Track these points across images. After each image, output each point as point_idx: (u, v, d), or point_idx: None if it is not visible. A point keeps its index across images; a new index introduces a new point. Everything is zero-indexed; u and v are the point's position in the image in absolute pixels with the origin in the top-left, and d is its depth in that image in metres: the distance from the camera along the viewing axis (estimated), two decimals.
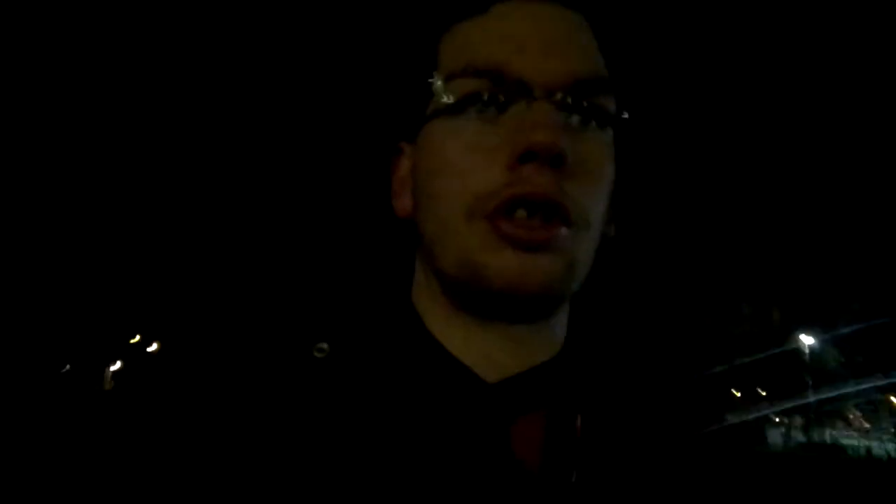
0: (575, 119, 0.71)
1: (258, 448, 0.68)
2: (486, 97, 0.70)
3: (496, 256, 0.68)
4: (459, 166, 0.70)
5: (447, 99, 0.72)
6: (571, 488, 0.69)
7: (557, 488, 0.68)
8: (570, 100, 0.70)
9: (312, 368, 0.75)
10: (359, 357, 0.75)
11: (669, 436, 0.79)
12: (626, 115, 0.75)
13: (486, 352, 0.73)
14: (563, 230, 0.68)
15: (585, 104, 0.71)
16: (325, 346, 0.76)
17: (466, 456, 0.68)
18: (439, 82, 0.73)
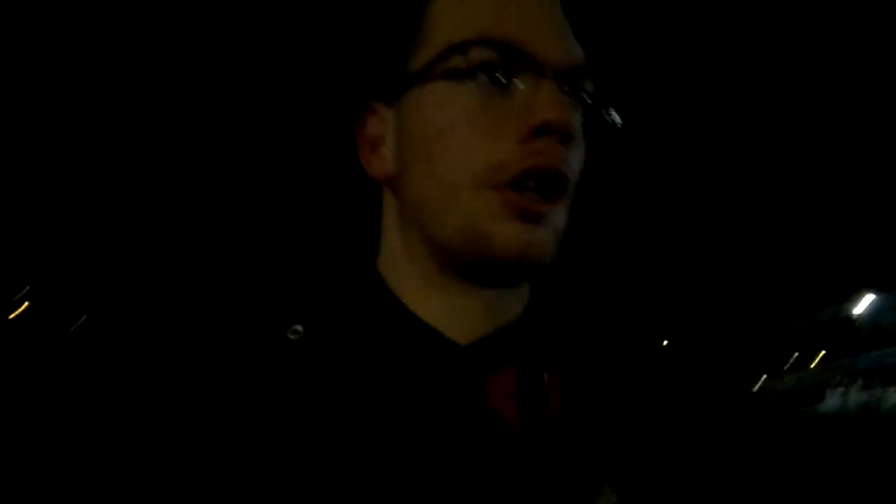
0: (570, 99, 0.74)
1: (240, 435, 0.71)
2: (494, 71, 0.72)
3: (503, 227, 0.71)
4: (465, 137, 0.72)
5: (454, 66, 0.73)
6: (548, 436, 0.72)
7: (534, 437, 0.71)
8: (571, 81, 0.74)
9: (289, 351, 0.77)
10: (333, 335, 0.77)
11: (644, 385, 0.81)
12: (598, 100, 0.78)
13: (461, 315, 0.76)
14: (559, 204, 0.73)
15: (577, 88, 0.75)
16: (299, 328, 0.79)
17: (446, 416, 0.71)
18: (446, 49, 0.73)
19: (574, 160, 0.74)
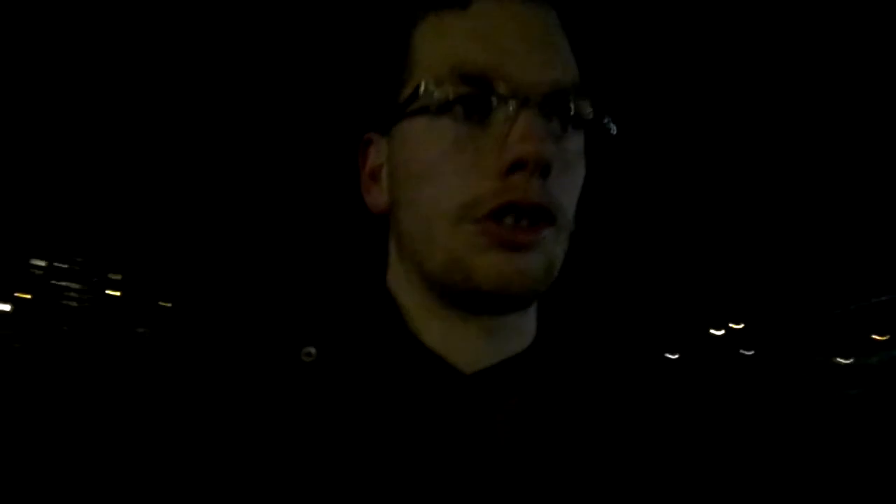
0: (556, 124, 0.73)
1: (253, 453, 0.72)
2: (469, 104, 0.71)
3: (484, 258, 0.70)
4: (445, 171, 0.72)
5: (431, 101, 0.72)
6: (547, 469, 0.72)
7: (534, 471, 0.71)
8: (552, 106, 0.72)
9: (302, 373, 0.77)
10: (344, 358, 0.77)
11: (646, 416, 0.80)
12: (595, 116, 0.76)
13: (464, 344, 0.76)
14: (546, 231, 0.71)
15: (566, 109, 0.73)
16: (312, 350, 0.78)
17: (446, 444, 0.71)
18: (423, 84, 0.73)
19: (557, 188, 0.72)
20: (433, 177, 0.72)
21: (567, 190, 0.74)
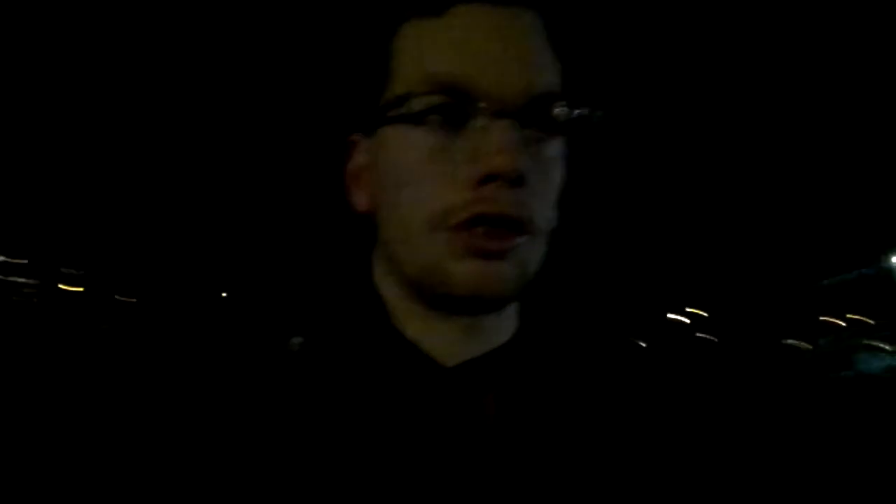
0: (533, 130, 0.74)
1: (239, 440, 0.74)
2: (445, 113, 0.73)
3: (458, 265, 0.73)
4: (420, 179, 0.74)
5: (408, 109, 0.74)
6: (526, 459, 0.75)
7: (513, 462, 0.74)
8: (527, 114, 0.73)
9: (289, 361, 0.80)
10: (329, 348, 0.80)
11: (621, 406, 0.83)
12: (578, 117, 0.77)
13: (443, 340, 0.78)
14: (519, 240, 0.73)
15: (541, 116, 0.74)
16: (298, 340, 0.81)
17: (428, 434, 0.74)
18: (401, 93, 0.74)
19: (531, 197, 0.73)
20: (410, 184, 0.74)
21: (542, 197, 0.76)
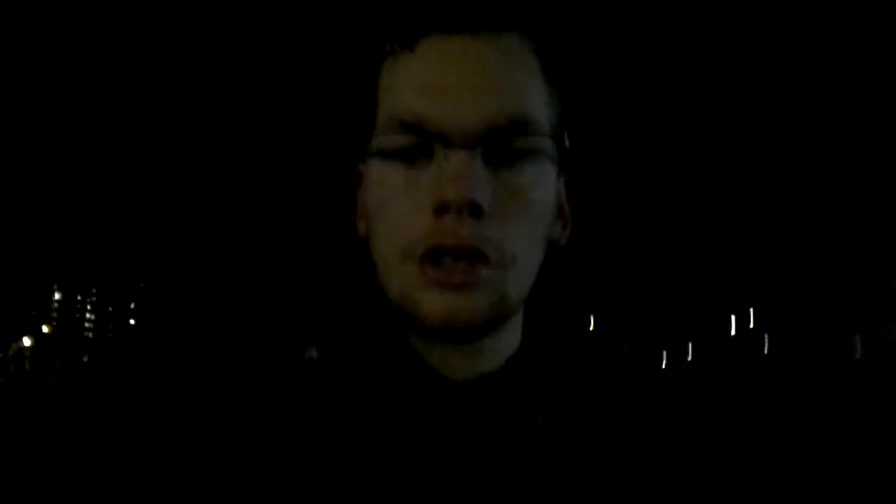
0: (499, 161, 0.74)
1: (256, 445, 0.76)
2: (412, 151, 0.75)
3: (426, 296, 0.74)
4: (390, 213, 0.76)
5: (379, 148, 0.77)
6: (532, 476, 0.75)
7: (517, 479, 0.75)
8: (492, 144, 0.73)
9: (304, 373, 0.82)
10: (342, 362, 0.83)
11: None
12: (561, 136, 0.78)
13: (442, 360, 0.79)
14: (486, 271, 0.73)
15: (509, 145, 0.74)
16: (314, 352, 0.84)
17: (435, 448, 0.75)
18: (374, 132, 0.78)
19: (495, 227, 0.73)
20: (385, 217, 0.77)
21: (512, 229, 0.75)
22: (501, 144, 0.74)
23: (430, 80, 0.74)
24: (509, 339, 0.82)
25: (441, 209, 0.72)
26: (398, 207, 0.76)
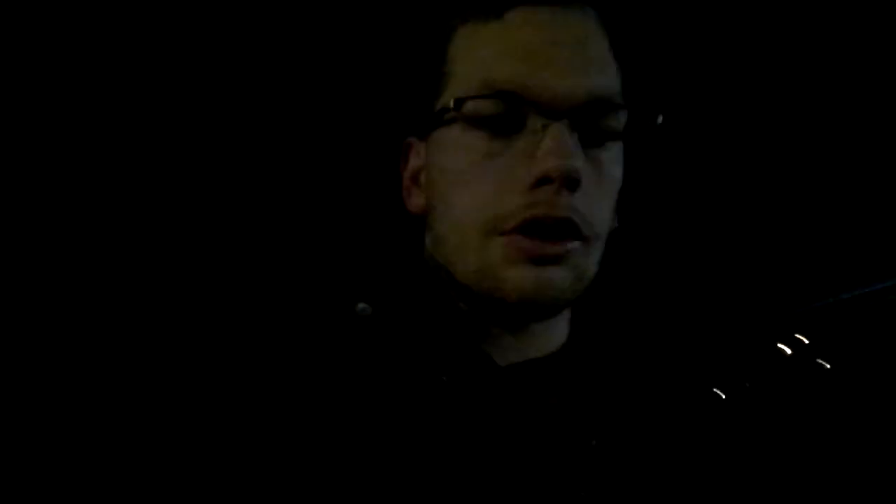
0: (589, 134, 0.73)
1: (306, 400, 0.73)
2: (503, 118, 0.73)
3: (513, 270, 0.72)
4: (476, 183, 0.73)
5: (461, 114, 0.74)
6: (590, 454, 0.74)
7: (576, 457, 0.73)
8: (585, 117, 0.72)
9: (357, 326, 0.79)
10: (394, 325, 0.79)
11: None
12: (634, 121, 0.76)
13: (495, 344, 0.78)
14: (575, 244, 0.72)
15: (598, 120, 0.74)
16: (368, 307, 0.81)
17: (477, 430, 0.72)
18: (457, 97, 0.74)
19: (586, 202, 0.73)
20: (465, 187, 0.74)
21: (598, 201, 0.75)
22: (593, 119, 0.73)
23: (527, 49, 0.73)
24: (559, 328, 0.81)
25: (541, 181, 0.70)
26: (483, 177, 0.73)
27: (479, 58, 0.75)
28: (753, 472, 0.84)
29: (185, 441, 0.76)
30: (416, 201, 0.83)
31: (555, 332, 0.81)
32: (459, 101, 0.73)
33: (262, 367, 0.77)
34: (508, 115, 0.73)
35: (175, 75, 1.37)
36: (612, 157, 0.76)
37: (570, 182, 0.70)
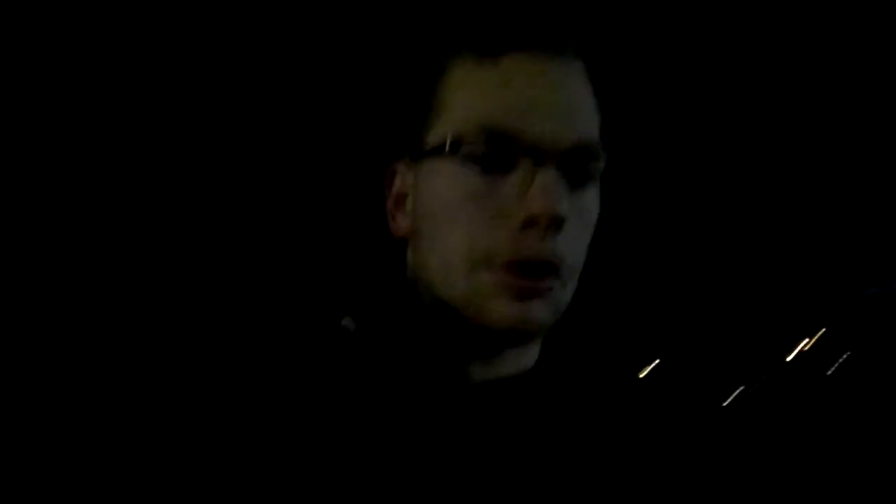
0: (574, 177, 0.78)
1: (293, 410, 0.78)
2: (495, 157, 0.76)
3: (499, 303, 0.76)
4: (466, 217, 0.77)
5: (454, 151, 0.77)
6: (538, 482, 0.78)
7: (524, 483, 0.77)
8: (572, 161, 0.77)
9: (343, 340, 0.84)
10: (374, 341, 0.84)
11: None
12: (602, 160, 0.81)
13: (467, 360, 0.82)
14: (554, 282, 0.77)
15: (582, 165, 0.78)
16: (351, 322, 0.86)
17: (446, 439, 0.78)
18: (450, 135, 0.78)
19: (568, 242, 0.77)
20: (453, 221, 0.78)
21: (577, 241, 0.79)
22: (578, 163, 0.78)
23: (524, 96, 0.77)
24: (531, 348, 0.86)
25: (529, 223, 0.75)
26: (472, 213, 0.77)
27: (474, 98, 0.78)
28: (722, 490, 0.88)
29: (170, 453, 0.79)
30: (400, 225, 0.86)
31: (527, 353, 0.85)
32: (457, 138, 0.77)
33: (246, 376, 0.82)
34: (501, 155, 0.76)
35: (173, 94, 1.39)
36: (592, 197, 0.81)
37: (557, 224, 0.75)
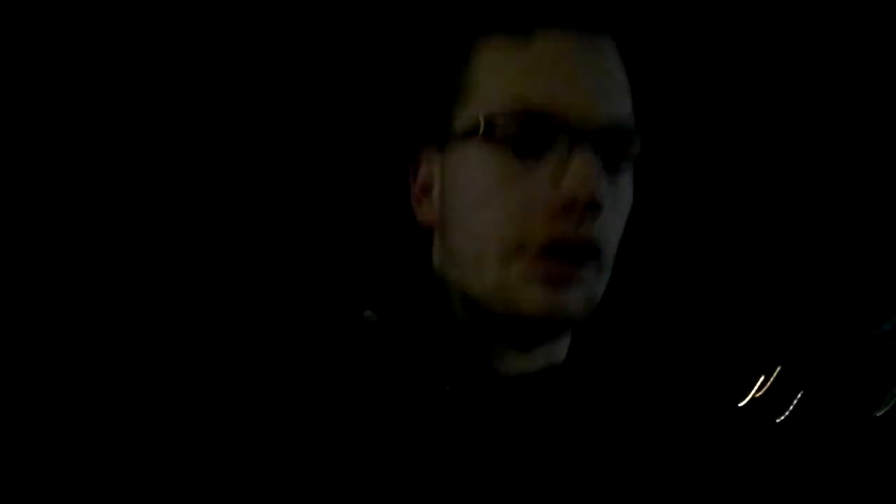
0: (610, 159, 0.75)
1: (310, 402, 0.75)
2: (529, 137, 0.73)
3: (530, 291, 0.73)
4: (499, 202, 0.74)
5: (486, 132, 0.74)
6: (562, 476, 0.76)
7: (548, 478, 0.75)
8: (608, 142, 0.74)
9: (365, 332, 0.81)
10: (398, 330, 0.81)
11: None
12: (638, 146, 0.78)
13: (496, 354, 0.79)
14: (590, 269, 0.74)
15: (618, 146, 0.75)
16: (373, 314, 0.83)
17: (472, 435, 0.75)
18: (482, 115, 0.74)
19: (606, 226, 0.74)
20: (486, 206, 0.74)
21: (614, 225, 0.77)
22: (613, 144, 0.74)
23: (558, 72, 0.74)
24: (561, 343, 0.83)
25: (567, 208, 0.71)
26: (505, 197, 0.73)
27: (507, 75, 0.75)
28: (743, 487, 0.86)
29: (192, 444, 0.77)
30: (426, 214, 0.84)
31: (557, 347, 0.82)
32: (490, 118, 0.74)
33: (268, 369, 0.79)
34: (535, 134, 0.73)
35: (187, 82, 1.38)
36: (627, 182, 0.78)
37: (595, 207, 0.71)
